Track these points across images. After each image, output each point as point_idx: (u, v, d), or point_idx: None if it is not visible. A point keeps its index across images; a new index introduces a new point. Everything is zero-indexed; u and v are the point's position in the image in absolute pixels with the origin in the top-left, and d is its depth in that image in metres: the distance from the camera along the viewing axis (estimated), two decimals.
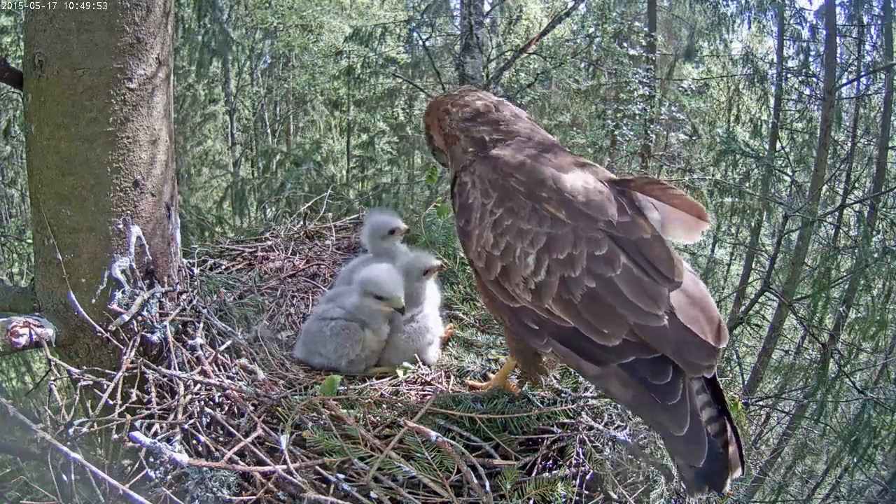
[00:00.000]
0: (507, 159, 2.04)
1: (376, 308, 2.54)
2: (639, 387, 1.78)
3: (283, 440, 1.90)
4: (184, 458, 1.78)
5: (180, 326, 2.44)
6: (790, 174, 9.28)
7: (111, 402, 2.01)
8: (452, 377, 2.52)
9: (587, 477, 2.09)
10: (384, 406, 2.22)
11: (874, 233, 8.25)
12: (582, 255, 1.81)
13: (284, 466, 1.84)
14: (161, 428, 1.98)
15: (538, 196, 1.92)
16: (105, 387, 2.06)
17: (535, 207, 1.91)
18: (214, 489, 1.78)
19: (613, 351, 1.78)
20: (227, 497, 1.79)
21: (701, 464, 1.71)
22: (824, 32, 9.27)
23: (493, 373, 2.50)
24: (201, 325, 2.48)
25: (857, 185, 10.14)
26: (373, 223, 3.09)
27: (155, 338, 2.30)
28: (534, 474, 2.01)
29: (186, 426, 1.99)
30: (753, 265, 10.59)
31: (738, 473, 1.80)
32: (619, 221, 1.85)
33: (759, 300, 8.61)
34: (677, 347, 1.75)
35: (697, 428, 1.74)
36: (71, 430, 1.90)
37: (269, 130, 13.44)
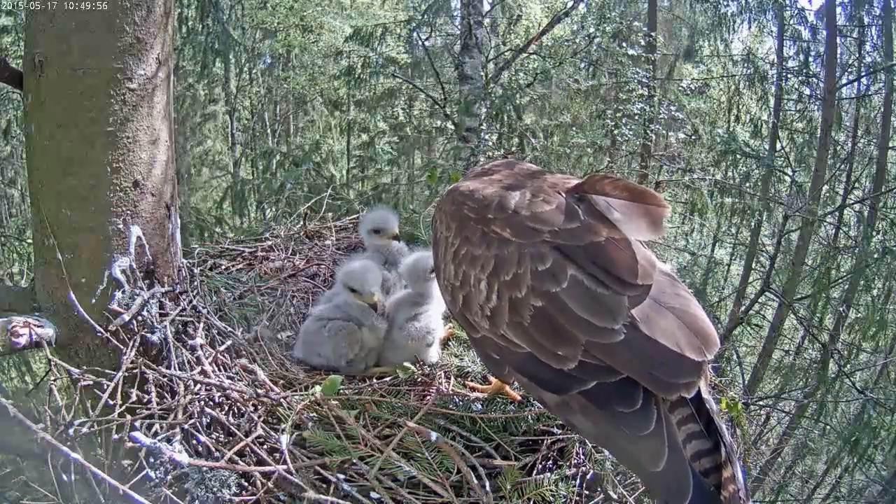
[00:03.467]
0: (462, 189, 2.01)
1: (353, 302, 2.54)
2: (603, 416, 1.57)
3: (284, 440, 1.90)
4: (184, 458, 1.78)
5: (180, 326, 2.44)
6: (790, 174, 9.28)
7: (111, 402, 2.00)
8: (453, 377, 2.51)
9: (587, 477, 2.09)
10: (384, 406, 2.22)
11: (874, 233, 8.26)
12: (526, 273, 1.67)
13: (284, 466, 1.84)
14: (161, 428, 1.98)
15: (486, 219, 1.84)
16: (105, 387, 2.05)
17: (484, 230, 1.83)
18: (214, 489, 1.78)
19: (572, 376, 1.59)
20: (227, 497, 1.79)
21: None
22: (824, 32, 9.28)
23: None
24: (201, 325, 2.48)
25: (857, 185, 10.16)
26: (364, 219, 3.20)
27: (155, 338, 2.30)
28: (534, 474, 2.01)
29: (186, 426, 1.99)
30: (753, 265, 10.60)
31: None
32: (565, 229, 1.70)
33: (759, 300, 8.62)
34: (642, 365, 1.53)
35: (678, 462, 1.50)
36: (71, 430, 1.90)
37: (268, 130, 13.45)
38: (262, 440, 2.00)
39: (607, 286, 1.60)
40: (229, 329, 2.59)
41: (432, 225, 2.16)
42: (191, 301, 2.55)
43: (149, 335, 2.30)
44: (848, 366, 7.92)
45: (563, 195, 1.80)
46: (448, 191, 2.13)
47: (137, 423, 1.97)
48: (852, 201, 9.17)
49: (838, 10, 9.26)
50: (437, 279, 2.12)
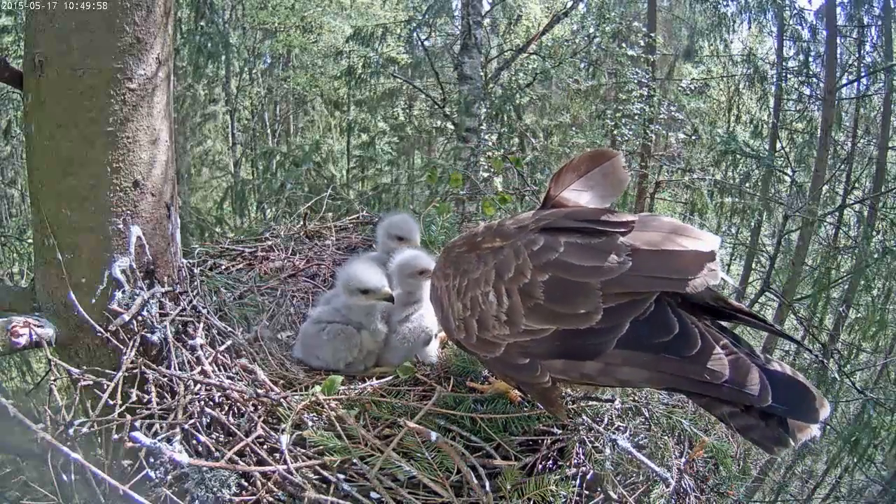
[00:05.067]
0: (452, 241, 2.21)
1: (367, 304, 2.54)
2: (649, 357, 1.60)
3: (284, 440, 1.91)
4: (184, 458, 1.78)
5: (180, 326, 2.44)
6: (790, 174, 9.28)
7: (111, 402, 2.00)
8: (452, 377, 2.51)
9: (587, 477, 2.09)
10: (384, 406, 2.22)
11: (874, 233, 8.26)
12: (525, 260, 1.77)
13: (284, 466, 1.84)
14: (161, 428, 1.98)
15: (475, 244, 1.99)
16: (105, 387, 2.05)
17: (478, 254, 1.95)
18: (214, 489, 1.78)
19: (604, 329, 1.63)
20: (227, 497, 1.79)
21: (770, 399, 1.48)
22: (824, 32, 9.28)
23: (494, 375, 2.50)
24: (201, 325, 2.47)
25: (857, 185, 10.15)
26: (389, 222, 3.09)
27: (155, 338, 2.30)
28: (534, 474, 2.01)
29: (186, 426, 1.99)
30: (753, 265, 10.60)
31: (826, 409, 1.51)
32: (544, 215, 1.88)
33: (759, 300, 8.61)
34: (660, 275, 1.60)
35: (741, 363, 1.52)
36: (71, 430, 1.90)
37: (268, 131, 13.45)
38: (262, 440, 1.99)
39: (597, 234, 1.72)
40: (229, 329, 2.59)
41: (431, 292, 2.26)
42: (191, 301, 2.55)
43: (149, 335, 2.30)
44: (848, 366, 7.92)
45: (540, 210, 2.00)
46: (440, 257, 2.28)
47: (137, 423, 1.97)
48: (852, 201, 9.17)
49: (838, 10, 9.27)
50: (446, 331, 2.16)
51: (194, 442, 1.98)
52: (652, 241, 1.66)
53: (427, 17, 9.32)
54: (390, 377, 2.48)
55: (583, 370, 1.72)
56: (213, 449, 1.95)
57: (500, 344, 1.87)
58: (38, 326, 2.21)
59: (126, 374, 2.12)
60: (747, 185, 9.58)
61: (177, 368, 2.22)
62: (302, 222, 3.90)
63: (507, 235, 1.89)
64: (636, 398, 2.48)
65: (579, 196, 1.95)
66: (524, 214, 1.98)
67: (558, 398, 1.98)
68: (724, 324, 1.76)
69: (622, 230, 1.70)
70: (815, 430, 1.52)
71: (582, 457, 2.13)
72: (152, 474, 1.78)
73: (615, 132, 8.94)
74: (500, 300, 1.82)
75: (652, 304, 1.61)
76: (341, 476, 1.88)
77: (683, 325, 1.58)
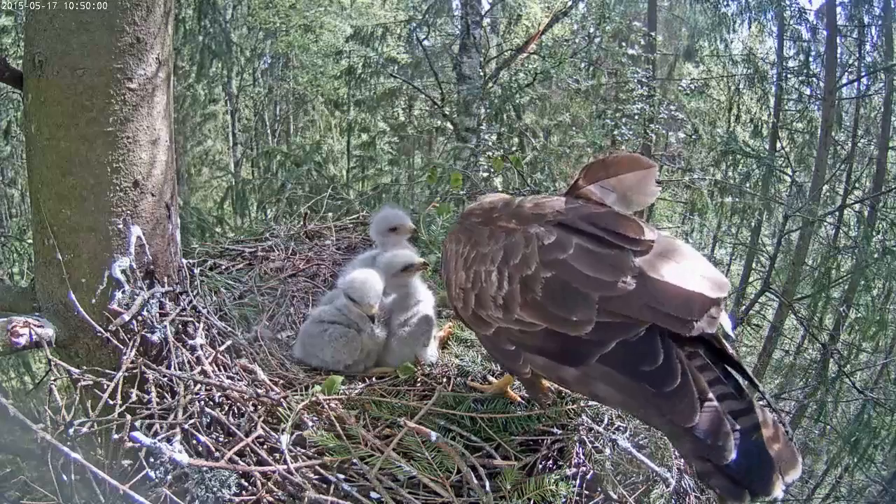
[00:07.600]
0: (471, 207, 2.19)
1: (354, 310, 2.55)
2: (626, 380, 1.56)
3: (284, 440, 1.91)
4: (184, 458, 1.78)
5: (180, 326, 2.44)
6: (790, 174, 9.28)
7: (111, 402, 2.00)
8: (453, 377, 2.51)
9: (587, 477, 2.09)
10: (384, 406, 2.22)
11: (874, 233, 8.25)
12: (534, 251, 1.74)
13: (284, 466, 1.84)
14: (161, 428, 1.98)
15: (492, 218, 1.99)
16: (105, 387, 2.05)
17: (492, 230, 1.94)
18: (214, 489, 1.78)
19: (591, 342, 1.60)
20: (227, 497, 1.79)
21: (729, 459, 1.43)
22: (824, 32, 9.27)
23: (494, 375, 2.50)
24: (201, 325, 2.47)
25: (857, 185, 10.15)
26: (378, 218, 3.13)
27: (155, 338, 2.30)
28: (534, 474, 2.01)
29: (186, 426, 1.99)
30: (753, 265, 10.60)
31: (793, 475, 1.47)
32: (567, 208, 1.82)
33: (760, 300, 8.61)
34: (658, 307, 1.55)
35: (712, 413, 1.48)
36: (71, 430, 1.90)
37: (269, 130, 13.45)
38: (262, 440, 2.00)
39: (611, 246, 1.67)
40: (229, 329, 2.59)
41: (442, 252, 2.25)
42: (191, 301, 2.55)
43: (149, 335, 2.30)
44: (848, 366, 7.92)
45: (563, 196, 1.93)
46: (457, 220, 2.27)
47: (137, 423, 1.97)
48: (852, 201, 9.16)
49: (838, 10, 9.26)
50: (449, 292, 2.17)
51: (194, 442, 1.98)
52: (663, 271, 1.61)
53: (427, 17, 9.32)
54: (390, 377, 2.48)
55: (561, 374, 1.71)
56: (213, 449, 1.95)
57: (492, 325, 1.88)
58: (38, 326, 2.20)
59: (126, 374, 2.12)
60: (747, 184, 9.58)
61: (177, 368, 2.22)
62: (302, 222, 3.90)
63: (524, 220, 1.86)
64: None
65: (606, 195, 1.88)
66: (546, 200, 1.91)
67: (542, 386, 1.99)
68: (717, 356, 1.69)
69: (638, 248, 1.66)
70: (776, 492, 1.44)
71: (582, 457, 2.13)
72: (152, 474, 1.78)
73: (615, 132, 8.93)
74: (501, 283, 1.81)
75: (643, 330, 1.58)
76: (341, 476, 1.88)
77: (668, 359, 1.53)
